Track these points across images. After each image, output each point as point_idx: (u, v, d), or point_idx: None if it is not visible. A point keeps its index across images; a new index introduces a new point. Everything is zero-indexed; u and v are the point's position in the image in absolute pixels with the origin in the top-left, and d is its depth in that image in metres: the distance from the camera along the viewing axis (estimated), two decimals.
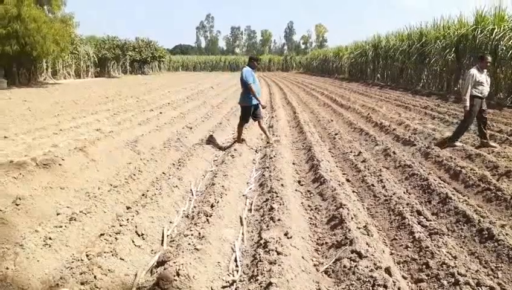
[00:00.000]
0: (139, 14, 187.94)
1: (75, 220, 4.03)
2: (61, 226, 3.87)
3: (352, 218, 4.05)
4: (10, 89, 23.83)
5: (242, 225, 4.35)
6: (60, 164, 6.26)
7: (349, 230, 3.75)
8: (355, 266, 3.21)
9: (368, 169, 6.15)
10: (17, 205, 4.43)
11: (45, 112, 13.15)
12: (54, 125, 10.13)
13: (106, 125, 10.04)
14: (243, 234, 4.13)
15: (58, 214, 4.29)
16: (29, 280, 3.15)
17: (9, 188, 5.14)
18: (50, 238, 3.63)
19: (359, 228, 3.89)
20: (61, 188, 5.14)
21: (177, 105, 15.11)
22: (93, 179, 5.79)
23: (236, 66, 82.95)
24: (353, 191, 5.43)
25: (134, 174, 5.80)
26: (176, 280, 2.91)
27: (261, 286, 2.93)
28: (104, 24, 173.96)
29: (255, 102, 7.92)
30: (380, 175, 5.76)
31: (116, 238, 3.62)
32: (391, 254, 3.80)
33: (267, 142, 8.11)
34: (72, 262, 3.53)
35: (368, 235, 3.77)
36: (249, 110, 8.02)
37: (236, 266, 3.49)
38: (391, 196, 4.86)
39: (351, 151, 7.30)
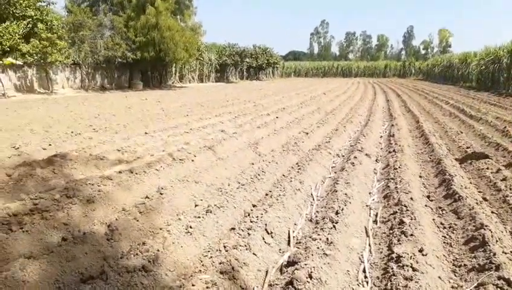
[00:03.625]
0: (256, 21, 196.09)
1: (210, 212, 4.38)
2: (199, 217, 4.24)
3: (496, 241, 3.65)
4: (145, 91, 26.98)
5: (368, 236, 4.24)
6: (192, 160, 6.88)
7: (494, 254, 3.39)
8: None
9: (510, 189, 5.47)
10: (161, 194, 4.99)
11: (175, 112, 14.56)
12: (184, 124, 11.15)
13: (229, 127, 10.69)
14: (369, 245, 4.02)
15: (196, 206, 4.71)
16: (175, 263, 3.52)
17: (152, 179, 5.82)
18: (191, 227, 4.00)
19: (505, 253, 3.49)
20: (196, 182, 5.62)
21: (292, 110, 15.38)
22: (222, 176, 6.21)
23: (349, 72, 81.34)
24: (492, 212, 4.88)
25: (258, 174, 6.07)
26: (308, 282, 2.96)
27: None
28: (223, 31, 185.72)
29: None
30: None
31: (248, 234, 3.83)
32: None
33: None
34: (209, 251, 3.85)
35: None
36: None
37: (365, 277, 3.41)
38: None
39: (487, 168, 6.58)
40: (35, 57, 19.96)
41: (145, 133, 9.70)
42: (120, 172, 5.83)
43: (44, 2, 20.76)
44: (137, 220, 4.30)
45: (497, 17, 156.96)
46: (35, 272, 3.09)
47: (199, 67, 40.45)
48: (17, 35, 18.98)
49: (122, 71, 28.18)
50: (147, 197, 4.91)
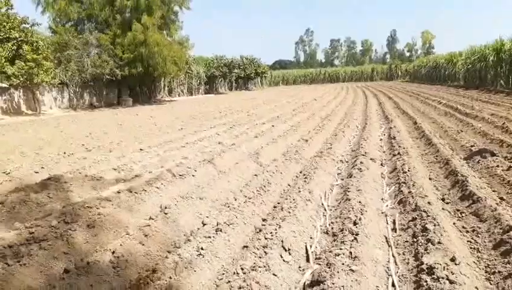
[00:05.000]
0: (240, 31, 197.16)
1: (220, 231, 4.11)
2: (209, 237, 3.97)
3: None
4: (135, 106, 26.62)
5: (389, 246, 4.00)
6: (193, 175, 6.60)
7: None
8: None
9: None
10: (165, 213, 4.70)
11: (169, 126, 14.27)
12: (180, 138, 10.87)
13: (226, 138, 10.44)
14: (393, 256, 3.78)
15: (204, 225, 4.43)
16: None
17: (153, 198, 5.52)
18: (202, 249, 3.72)
19: None
20: (200, 199, 5.34)
21: (286, 118, 15.19)
22: (225, 190, 5.94)
23: (336, 77, 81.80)
24: None
25: (264, 186, 5.82)
26: None
27: None
28: (208, 43, 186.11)
29: None
30: None
31: (265, 252, 3.57)
32: None
33: None
34: (223, 274, 3.58)
35: None
36: None
37: None
38: None
39: (497, 166, 6.41)
40: (21, 79, 19.53)
41: (140, 149, 9.39)
42: (119, 192, 5.52)
43: (28, 23, 20.39)
44: (143, 244, 4.01)
45: (476, 17, 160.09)
46: None
47: (188, 80, 40.23)
48: (3, 58, 18.57)
49: (110, 88, 27.79)
50: (150, 218, 4.61)
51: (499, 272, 3.34)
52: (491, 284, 3.24)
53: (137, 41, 23.68)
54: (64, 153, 9.12)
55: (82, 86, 25.03)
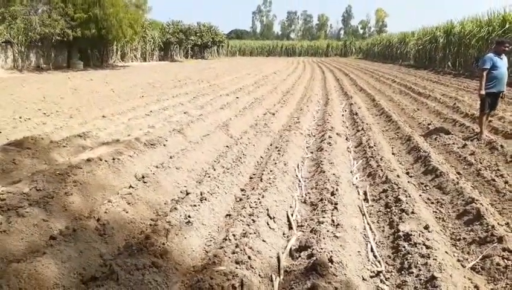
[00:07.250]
0: None
1: (205, 199, 4.17)
2: (195, 205, 4.02)
3: (491, 214, 3.84)
4: (87, 71, 25.31)
5: (363, 215, 4.28)
6: (164, 145, 6.53)
7: (493, 226, 3.56)
8: None
9: (481, 163, 5.80)
10: (144, 182, 4.67)
11: (128, 93, 13.80)
12: (143, 107, 10.57)
13: (191, 109, 10.30)
14: (368, 224, 4.06)
15: (188, 194, 4.46)
16: (182, 256, 3.31)
17: (127, 166, 5.43)
18: (189, 217, 3.77)
19: (501, 225, 3.68)
20: (177, 168, 5.33)
21: (249, 90, 15.19)
22: (201, 161, 5.96)
23: (292, 51, 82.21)
24: (471, 186, 5.13)
25: (240, 157, 5.91)
26: (331, 267, 2.91)
27: (420, 279, 2.86)
28: (163, 8, 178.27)
29: (493, 90, 7.18)
30: (498, 169, 5.41)
31: (253, 220, 3.69)
32: None
33: (477, 134, 7.46)
34: (211, 241, 3.69)
35: None
36: (484, 99, 7.22)
37: (375, 256, 3.43)
38: None
39: (453, 143, 6.93)
40: None
41: (103, 116, 9.06)
42: (89, 160, 5.34)
43: None
44: (127, 212, 3.99)
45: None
46: (32, 276, 2.75)
47: (142, 45, 38.61)
48: None
49: (59, 50, 26.10)
50: (130, 186, 4.55)
51: (464, 239, 3.72)
52: (457, 249, 3.61)
53: (91, 1, 22.26)
54: (20, 117, 8.59)
55: (28, 46, 23.28)
